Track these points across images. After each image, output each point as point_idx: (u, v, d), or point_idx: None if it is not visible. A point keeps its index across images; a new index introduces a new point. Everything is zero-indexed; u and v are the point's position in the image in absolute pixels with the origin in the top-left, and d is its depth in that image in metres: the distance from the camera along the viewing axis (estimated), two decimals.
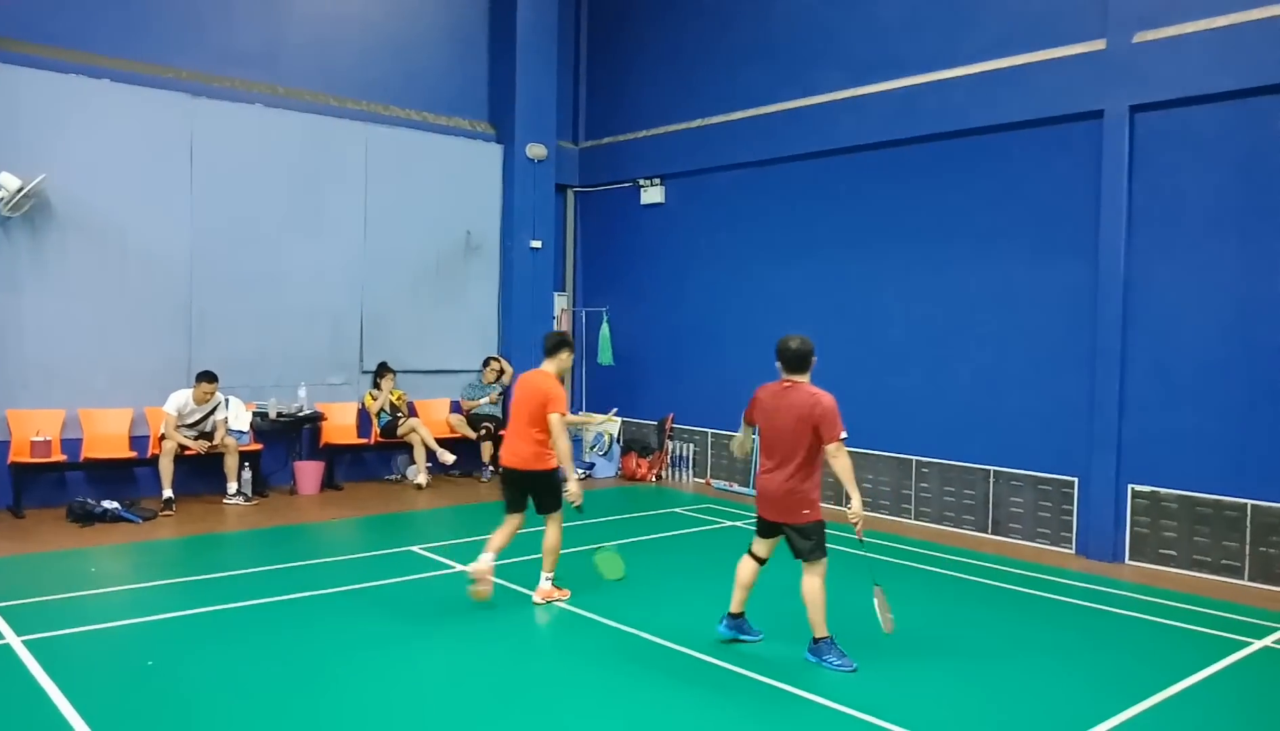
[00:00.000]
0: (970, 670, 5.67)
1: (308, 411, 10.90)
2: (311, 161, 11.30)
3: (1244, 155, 7.89)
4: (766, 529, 5.84)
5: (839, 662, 5.56)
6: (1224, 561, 7.88)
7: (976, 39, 9.47)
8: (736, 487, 11.46)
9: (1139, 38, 8.32)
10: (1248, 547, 7.76)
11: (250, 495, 10.15)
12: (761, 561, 5.92)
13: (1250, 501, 7.75)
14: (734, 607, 5.96)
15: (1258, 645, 6.22)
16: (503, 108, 12.80)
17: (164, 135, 10.29)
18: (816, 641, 5.66)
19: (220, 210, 10.64)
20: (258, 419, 10.56)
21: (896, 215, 10.19)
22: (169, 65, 10.43)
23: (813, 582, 5.62)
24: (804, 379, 5.79)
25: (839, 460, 5.50)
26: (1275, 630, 6.53)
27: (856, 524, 5.61)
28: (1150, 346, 8.35)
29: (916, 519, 9.85)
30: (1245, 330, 7.86)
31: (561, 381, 6.74)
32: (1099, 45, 8.57)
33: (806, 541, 5.61)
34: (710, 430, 11.64)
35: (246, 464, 10.20)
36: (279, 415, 10.65)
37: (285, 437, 10.97)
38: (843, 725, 4.80)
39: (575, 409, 13.63)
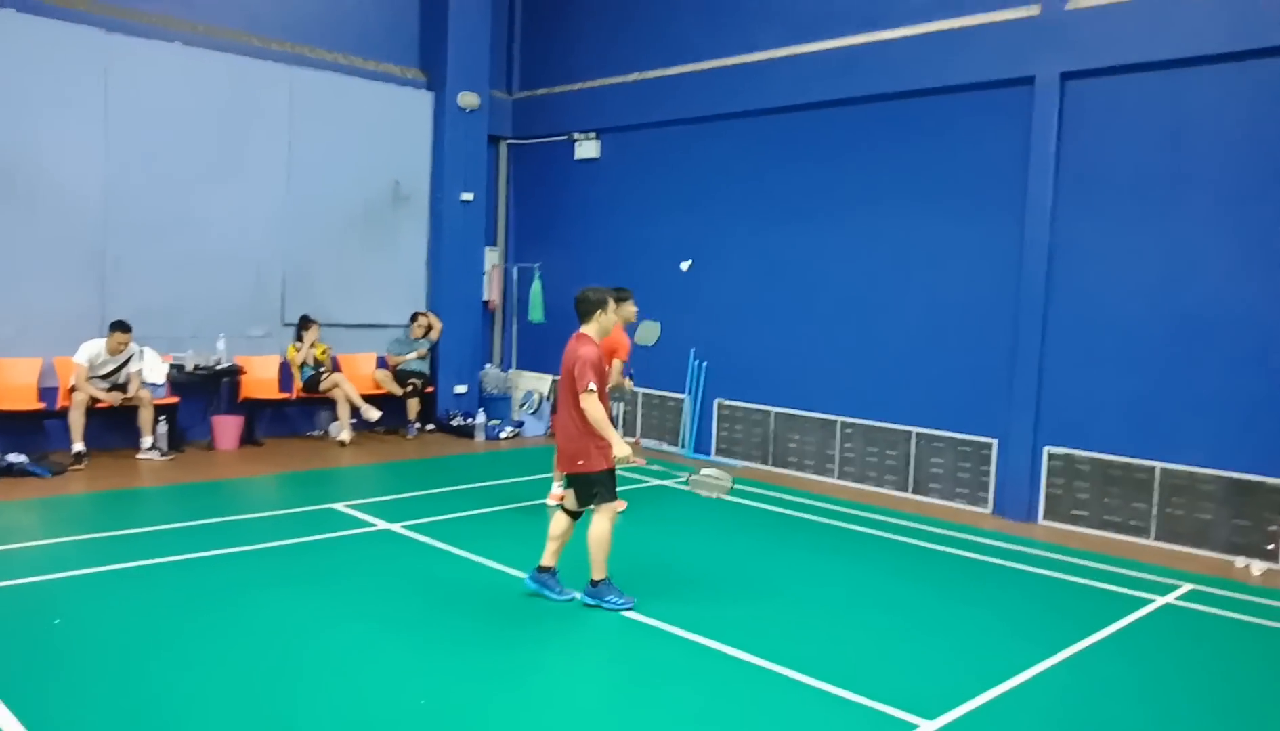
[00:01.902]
0: (887, 624, 5.78)
1: (227, 364, 10.60)
2: (233, 104, 10.88)
3: (1170, 126, 8.03)
4: (568, 480, 5.88)
5: (619, 601, 5.73)
6: (1132, 522, 8.15)
7: (914, 1, 9.46)
8: (665, 446, 11.49)
9: (1071, 5, 8.39)
10: (1155, 508, 8.03)
11: (165, 450, 9.86)
12: (574, 515, 5.89)
13: (1159, 463, 8.01)
14: (544, 560, 5.90)
15: (1161, 601, 6.46)
16: (434, 54, 12.46)
17: (76, 72, 9.80)
18: (594, 584, 5.77)
19: (136, 153, 10.20)
20: (174, 371, 10.24)
21: (831, 176, 10.21)
22: None
23: (599, 525, 5.70)
24: (589, 329, 5.83)
25: (589, 411, 5.55)
26: (1178, 587, 6.79)
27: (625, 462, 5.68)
28: (1071, 312, 8.53)
29: (840, 478, 9.99)
30: (1164, 298, 8.06)
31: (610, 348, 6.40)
32: (1033, 11, 8.63)
33: (584, 490, 5.70)
34: (641, 390, 11.62)
35: (162, 417, 9.89)
36: (196, 367, 10.35)
37: (203, 391, 10.67)
38: (761, 679, 4.86)
39: (505, 366, 13.51)
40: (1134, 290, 8.21)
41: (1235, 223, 7.71)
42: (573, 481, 5.79)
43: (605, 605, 5.73)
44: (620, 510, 6.44)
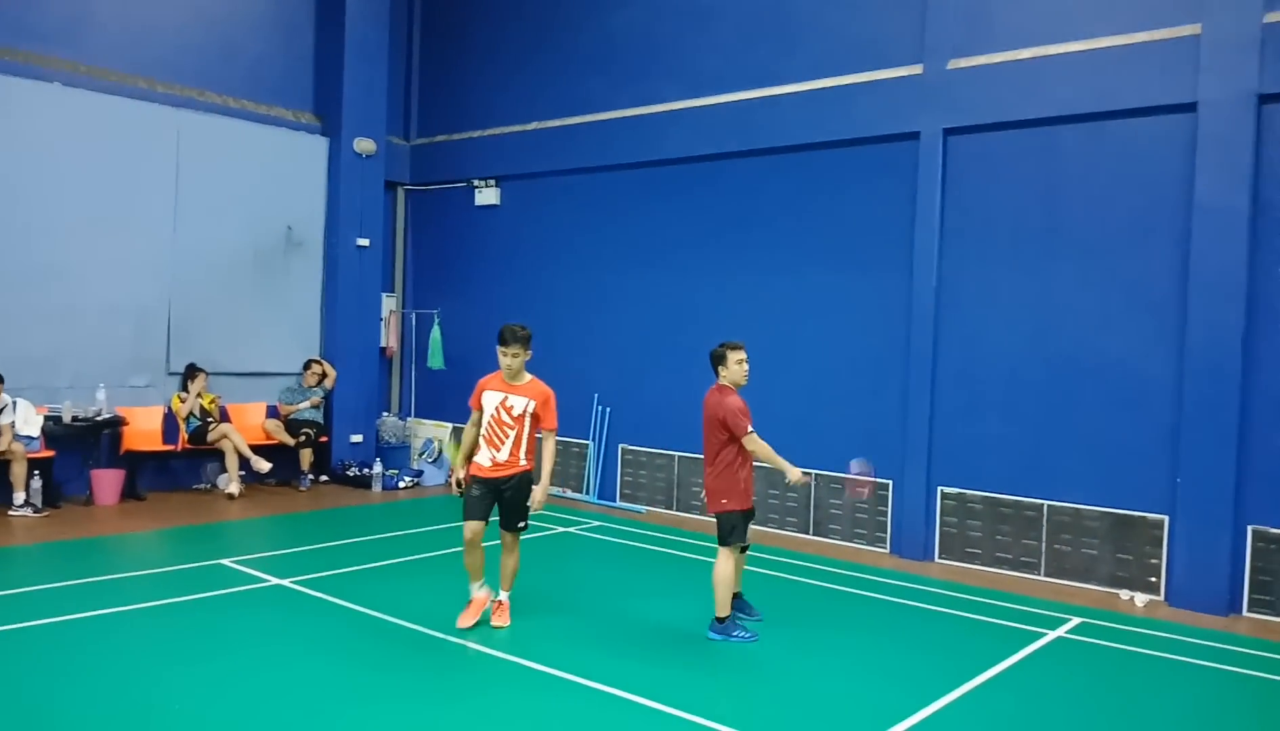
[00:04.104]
0: (787, 666, 5.82)
1: (107, 415, 10.12)
2: (117, 148, 10.51)
3: (1044, 180, 8.47)
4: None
5: (745, 635, 6.22)
6: (1023, 558, 8.42)
7: (805, 58, 9.79)
8: (570, 493, 11.40)
9: (953, 65, 8.81)
10: (1044, 544, 8.32)
11: (40, 506, 9.32)
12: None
13: (1046, 501, 8.32)
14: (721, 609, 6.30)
15: (1052, 635, 6.67)
16: (329, 99, 12.30)
17: None
18: (720, 621, 6.25)
19: (9, 197, 9.73)
20: (50, 422, 9.71)
21: (727, 226, 10.41)
22: None
23: (724, 565, 6.23)
24: (724, 379, 6.53)
25: (757, 450, 6.34)
26: (1067, 621, 7.02)
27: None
28: (959, 357, 8.84)
29: None
30: (1043, 344, 8.43)
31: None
32: (917, 70, 9.02)
33: (724, 527, 6.30)
34: None
35: (36, 472, 9.36)
36: (74, 419, 9.84)
37: (82, 443, 10.14)
38: (657, 722, 4.81)
39: (404, 415, 13.26)
40: (1016, 336, 8.57)
41: (1104, 274, 8.15)
42: (717, 519, 6.35)
43: (733, 639, 6.21)
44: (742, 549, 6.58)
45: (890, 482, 9.17)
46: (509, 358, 6.10)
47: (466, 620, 6.23)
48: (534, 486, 6.22)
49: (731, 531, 6.25)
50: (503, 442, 6.13)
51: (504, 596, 6.37)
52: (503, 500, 6.20)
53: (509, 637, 6.10)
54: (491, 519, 6.19)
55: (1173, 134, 7.84)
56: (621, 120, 11.19)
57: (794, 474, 6.32)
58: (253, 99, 11.83)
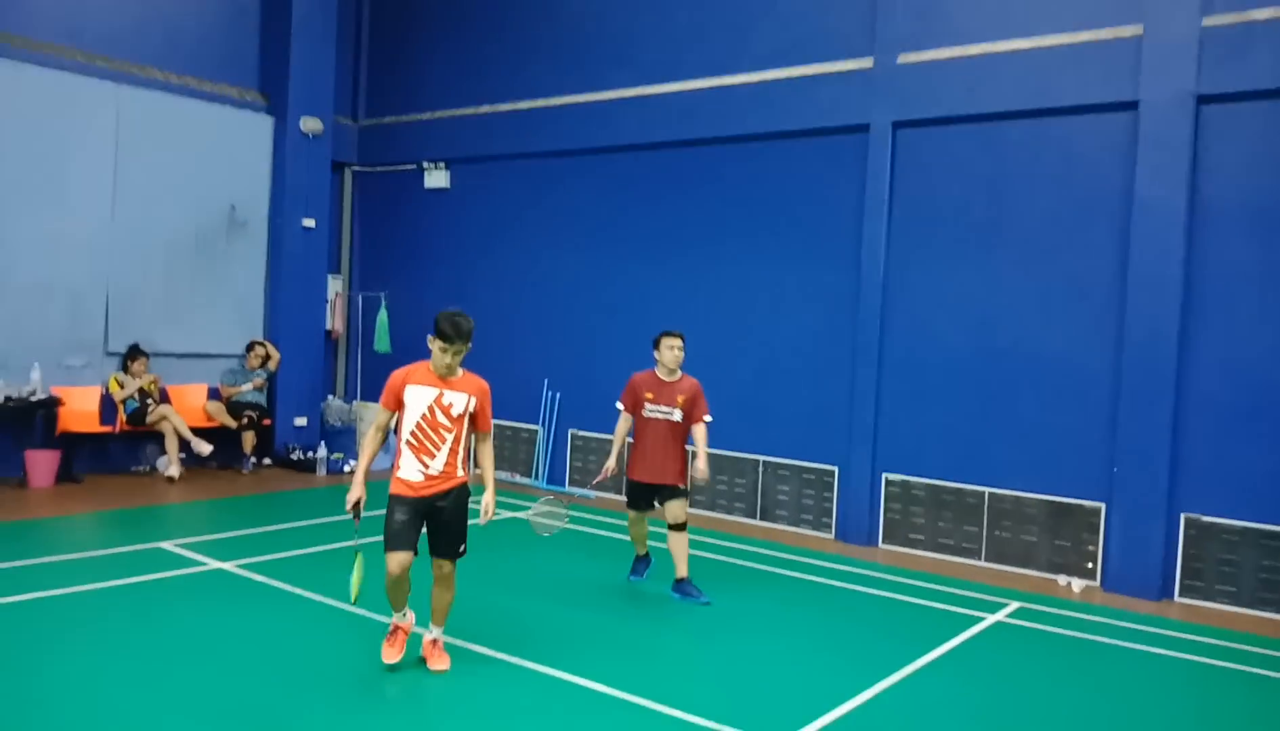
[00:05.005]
0: (733, 649, 5.88)
1: (42, 395, 9.85)
2: (51, 123, 10.19)
3: (988, 175, 8.63)
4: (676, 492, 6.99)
5: (701, 596, 6.75)
6: (964, 544, 8.59)
7: (756, 49, 9.83)
8: (519, 478, 11.36)
9: (902, 59, 8.91)
10: (984, 531, 8.50)
11: None
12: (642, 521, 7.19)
13: (988, 489, 8.49)
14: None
15: (991, 619, 6.82)
16: (275, 77, 12.06)
17: None
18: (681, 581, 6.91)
19: None
20: None
21: (677, 214, 10.43)
22: None
23: (687, 533, 6.95)
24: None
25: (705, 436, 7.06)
26: (1006, 605, 7.18)
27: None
28: (904, 347, 8.98)
29: (691, 508, 10.10)
30: (985, 334, 8.60)
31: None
32: (866, 63, 9.11)
33: (686, 499, 7.02)
34: (496, 420, 11.44)
35: None
36: (7, 399, 9.56)
37: (15, 424, 9.86)
38: (603, 705, 4.84)
39: (349, 398, 13.09)
40: (959, 327, 8.73)
41: (1045, 267, 8.33)
42: (680, 492, 6.83)
43: (691, 599, 6.78)
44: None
45: (836, 469, 9.29)
46: (450, 355, 5.05)
47: (393, 654, 5.23)
48: (481, 495, 5.23)
49: (627, 496, 7.01)
50: (437, 449, 5.05)
51: (438, 633, 5.33)
52: (438, 521, 5.11)
53: (454, 626, 6.05)
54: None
55: (1114, 132, 8.02)
56: (572, 106, 11.14)
57: (606, 463, 6.96)
58: (196, 75, 11.55)
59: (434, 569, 5.19)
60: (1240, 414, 7.53)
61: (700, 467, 6.80)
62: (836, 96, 9.28)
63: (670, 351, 6.91)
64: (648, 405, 6.88)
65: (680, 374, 6.98)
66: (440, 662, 5.28)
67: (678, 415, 6.83)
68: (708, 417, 6.95)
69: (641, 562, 7.29)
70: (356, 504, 5.04)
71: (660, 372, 6.97)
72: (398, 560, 4.99)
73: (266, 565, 7.19)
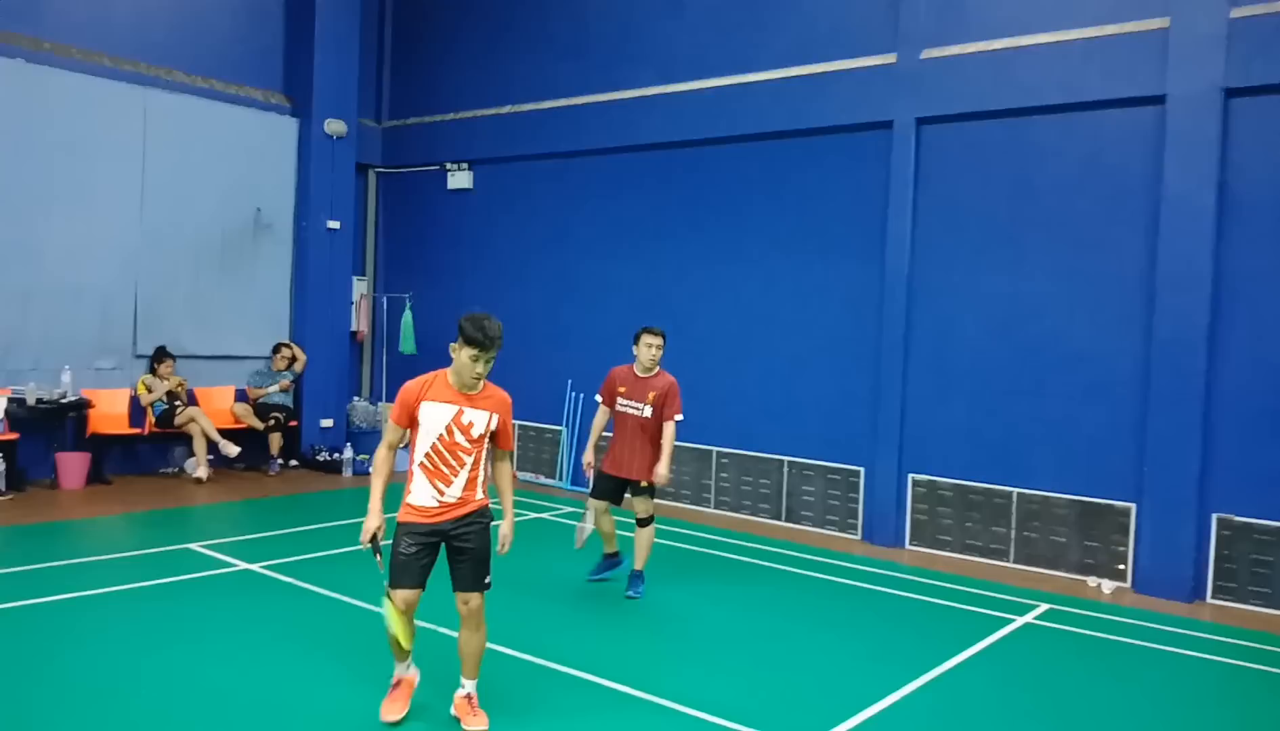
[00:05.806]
0: (761, 652, 5.86)
1: (73, 398, 9.97)
2: (80, 126, 10.31)
3: (1014, 171, 8.54)
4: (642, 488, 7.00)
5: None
6: (993, 545, 8.52)
7: (779, 45, 9.79)
8: (543, 479, 11.39)
9: (926, 54, 8.84)
10: (1013, 532, 8.42)
11: (4, 489, 9.18)
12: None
13: (1015, 489, 8.41)
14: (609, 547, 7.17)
15: (1021, 621, 6.76)
16: (299, 79, 12.13)
17: None
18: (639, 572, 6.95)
19: None
20: (13, 405, 9.54)
21: (701, 212, 10.40)
22: None
23: (653, 528, 7.02)
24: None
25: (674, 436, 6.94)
26: (1036, 607, 7.12)
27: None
28: (929, 345, 8.91)
29: (716, 508, 10.11)
30: (1012, 332, 8.51)
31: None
32: (890, 59, 9.04)
33: (652, 495, 7.00)
34: (518, 421, 11.49)
35: (0, 455, 9.21)
36: (39, 401, 9.68)
37: (46, 426, 9.97)
38: (634, 708, 4.83)
39: (374, 400, 13.16)
40: (985, 325, 8.65)
41: (1073, 264, 8.23)
42: (645, 489, 6.85)
43: (632, 590, 6.84)
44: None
45: (862, 470, 9.23)
46: (482, 364, 4.43)
47: (394, 711, 4.59)
48: (499, 523, 4.66)
49: (652, 498, 6.97)
50: (455, 474, 4.47)
51: (471, 687, 4.66)
52: (456, 552, 4.53)
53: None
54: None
55: (1141, 127, 7.92)
56: (594, 105, 11.14)
57: (585, 456, 7.06)
58: (221, 78, 11.65)
59: (459, 606, 4.56)
60: (1272, 413, 7.41)
61: (659, 469, 6.76)
62: (860, 93, 9.22)
63: (648, 349, 6.90)
64: (620, 399, 6.91)
65: (658, 370, 6.95)
66: (478, 720, 4.57)
67: (648, 411, 6.81)
68: (678, 417, 6.86)
69: (607, 561, 7.22)
70: (374, 537, 4.50)
71: (637, 368, 6.96)
72: (403, 598, 4.43)
73: (293, 566, 7.24)
